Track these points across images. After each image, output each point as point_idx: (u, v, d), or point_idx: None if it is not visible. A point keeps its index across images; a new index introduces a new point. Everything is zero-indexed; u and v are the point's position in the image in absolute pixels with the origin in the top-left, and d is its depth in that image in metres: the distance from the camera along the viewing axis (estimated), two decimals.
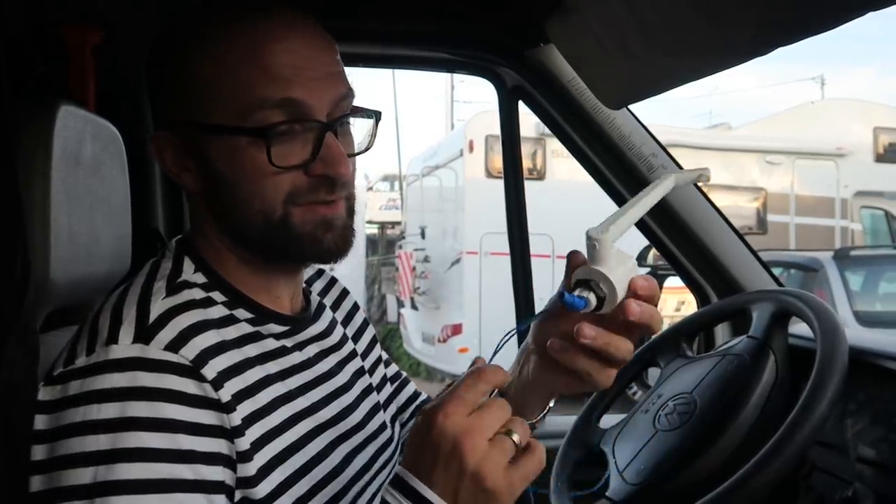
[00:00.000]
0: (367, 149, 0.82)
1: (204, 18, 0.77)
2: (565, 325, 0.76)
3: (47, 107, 0.85)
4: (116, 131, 1.01)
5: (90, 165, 0.92)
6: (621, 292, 0.70)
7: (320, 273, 1.02)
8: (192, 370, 0.68)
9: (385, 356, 1.06)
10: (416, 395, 1.11)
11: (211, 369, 0.69)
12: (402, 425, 1.05)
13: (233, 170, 0.75)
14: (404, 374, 1.11)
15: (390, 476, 0.69)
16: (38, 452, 0.67)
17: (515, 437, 0.64)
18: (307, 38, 0.76)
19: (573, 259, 0.74)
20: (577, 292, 0.70)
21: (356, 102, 0.80)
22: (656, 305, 0.75)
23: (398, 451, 0.93)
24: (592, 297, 0.69)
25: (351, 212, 0.81)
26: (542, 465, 0.65)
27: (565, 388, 0.82)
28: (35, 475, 0.66)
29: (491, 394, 0.66)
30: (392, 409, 1.01)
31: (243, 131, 0.73)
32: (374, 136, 0.83)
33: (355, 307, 1.03)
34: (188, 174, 0.78)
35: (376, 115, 0.82)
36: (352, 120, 0.81)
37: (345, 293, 1.03)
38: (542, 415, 0.87)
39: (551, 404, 0.87)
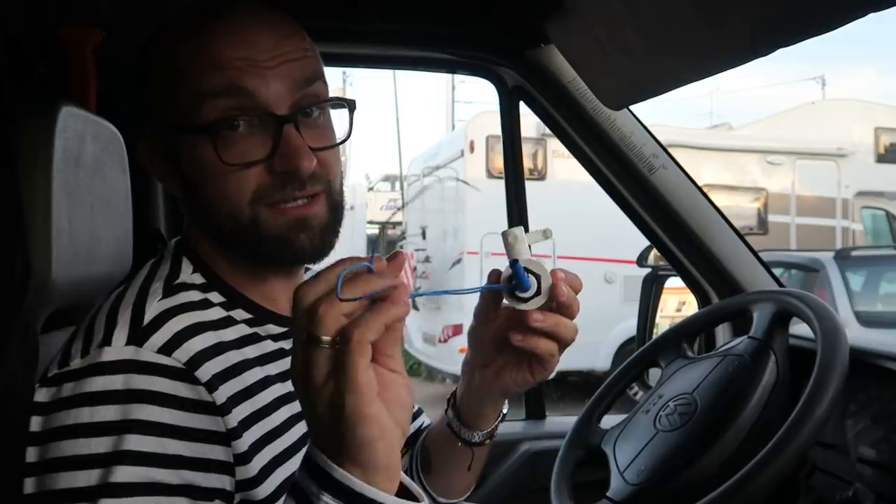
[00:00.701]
0: (342, 141, 0.79)
1: (176, 21, 0.76)
2: (499, 326, 0.80)
3: (48, 107, 0.85)
4: (117, 132, 1.01)
5: (91, 166, 0.92)
6: (549, 278, 0.76)
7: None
8: (186, 373, 0.68)
9: None
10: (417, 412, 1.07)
11: (205, 372, 0.69)
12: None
13: (195, 171, 0.74)
14: None
15: None
16: (32, 454, 0.67)
17: (324, 337, 0.55)
18: (266, 29, 0.74)
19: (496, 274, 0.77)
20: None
21: (357, 103, 0.79)
22: (576, 294, 0.78)
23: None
24: (533, 279, 0.74)
25: (334, 210, 0.77)
26: (362, 330, 0.53)
27: (515, 385, 0.83)
28: (28, 477, 0.66)
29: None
30: None
31: (195, 129, 0.72)
32: (351, 125, 0.80)
33: None
34: (170, 179, 0.78)
35: (349, 105, 0.79)
36: (333, 112, 0.79)
37: None
38: (498, 420, 0.90)
39: (505, 409, 0.90)
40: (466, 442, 0.90)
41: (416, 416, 1.08)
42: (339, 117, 0.82)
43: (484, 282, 0.78)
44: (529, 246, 0.75)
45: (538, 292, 0.74)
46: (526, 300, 0.74)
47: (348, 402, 0.54)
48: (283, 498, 0.71)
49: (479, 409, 0.87)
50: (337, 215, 0.78)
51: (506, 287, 0.75)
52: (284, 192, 0.73)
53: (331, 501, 0.55)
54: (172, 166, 0.77)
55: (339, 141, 0.79)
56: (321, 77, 0.77)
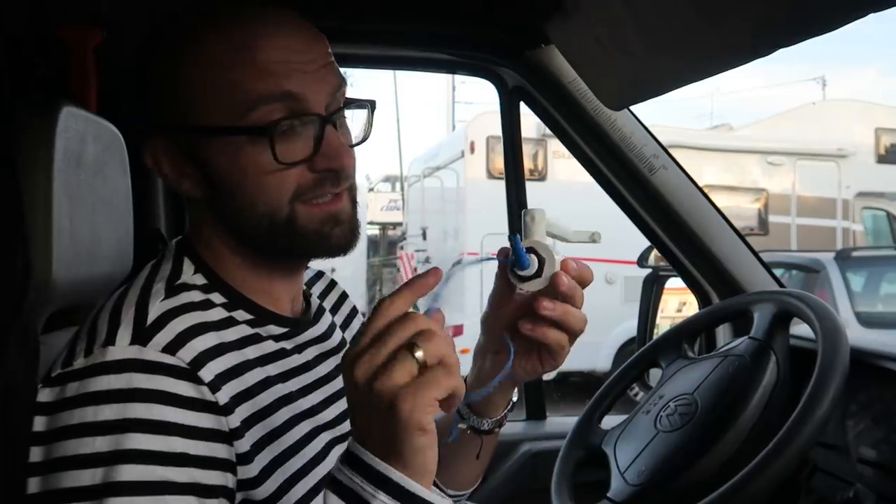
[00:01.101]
0: (364, 139, 0.82)
1: (193, 19, 0.76)
2: (511, 313, 0.81)
3: (49, 108, 0.85)
4: (118, 132, 1.01)
5: (92, 166, 0.92)
6: (557, 265, 0.76)
7: (320, 275, 1.02)
8: (189, 372, 0.68)
9: None
10: None
11: (208, 372, 0.69)
12: None
13: (234, 171, 0.74)
14: None
15: None
16: (36, 454, 0.67)
17: (419, 354, 0.59)
18: (297, 34, 0.76)
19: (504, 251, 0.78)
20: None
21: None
22: (584, 287, 0.79)
23: None
24: (535, 260, 0.75)
25: (354, 203, 0.81)
26: (451, 382, 0.60)
27: (525, 373, 0.84)
28: (32, 477, 0.66)
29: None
30: None
31: (243, 130, 0.73)
32: (371, 125, 0.83)
33: (353, 311, 1.03)
34: (187, 180, 0.77)
35: (371, 105, 0.82)
36: (347, 112, 0.80)
37: (343, 296, 1.02)
38: (508, 408, 0.90)
39: (514, 398, 0.90)
40: (475, 429, 0.90)
41: None
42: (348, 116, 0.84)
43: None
44: (555, 235, 0.75)
45: (538, 274, 0.75)
46: (525, 279, 0.75)
47: (416, 413, 0.58)
48: (283, 499, 0.72)
49: (488, 396, 0.86)
50: (356, 211, 0.81)
51: (505, 260, 0.76)
52: (322, 189, 0.76)
53: (388, 501, 0.59)
54: (195, 167, 0.76)
55: (361, 139, 0.81)
56: (345, 80, 0.80)
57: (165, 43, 0.76)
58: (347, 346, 1.01)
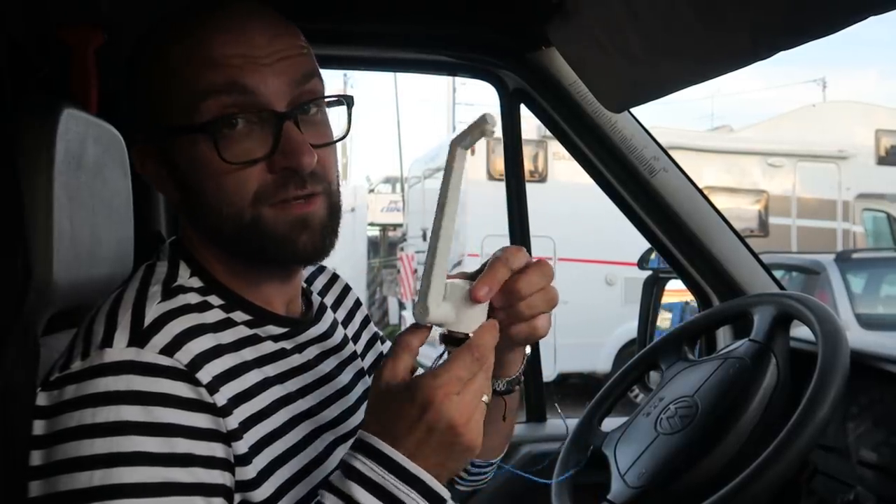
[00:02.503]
0: (342, 137, 0.78)
1: (166, 21, 0.75)
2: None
3: (50, 110, 0.85)
4: (118, 134, 1.01)
5: (92, 168, 0.92)
6: (474, 317, 0.70)
7: (321, 269, 1.00)
8: (187, 374, 0.67)
9: (384, 343, 1.03)
10: None
11: (206, 373, 0.69)
12: None
13: (194, 172, 0.73)
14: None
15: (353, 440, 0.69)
16: (36, 457, 0.66)
17: (485, 398, 0.67)
18: (260, 27, 0.73)
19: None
20: (444, 350, 0.72)
21: (358, 104, 0.79)
22: (519, 267, 0.73)
23: None
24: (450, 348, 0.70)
25: (333, 210, 0.77)
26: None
27: (516, 341, 0.79)
28: (33, 480, 0.66)
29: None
30: None
31: (192, 128, 0.71)
32: (350, 122, 0.79)
33: (357, 304, 1.01)
34: (166, 181, 0.77)
35: (347, 101, 0.79)
36: (333, 110, 0.78)
37: (346, 290, 1.01)
38: (522, 363, 0.86)
39: (528, 350, 0.86)
40: (494, 391, 0.84)
41: None
42: (335, 116, 0.81)
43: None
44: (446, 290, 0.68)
45: (465, 337, 0.70)
46: (456, 341, 0.70)
47: (469, 435, 0.66)
48: (283, 500, 0.72)
49: (498, 355, 0.79)
50: (335, 216, 0.77)
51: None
52: (287, 191, 0.72)
53: (420, 500, 0.65)
54: (168, 169, 0.76)
55: (337, 138, 0.78)
56: (317, 74, 0.76)
57: (143, 46, 0.76)
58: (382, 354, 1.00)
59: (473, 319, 0.70)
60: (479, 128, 0.64)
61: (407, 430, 0.65)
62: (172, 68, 0.72)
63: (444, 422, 0.64)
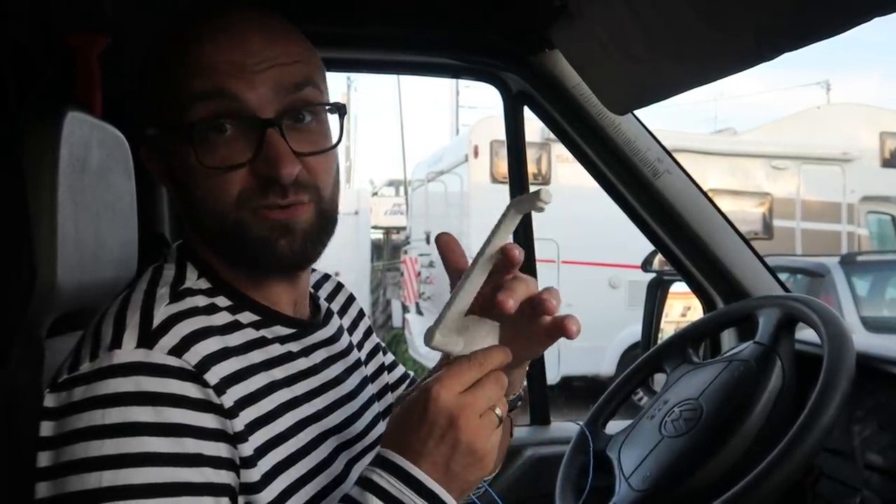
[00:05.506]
0: (333, 146, 0.77)
1: (164, 29, 0.77)
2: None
3: (54, 113, 0.85)
4: (123, 137, 1.01)
5: (97, 171, 0.93)
6: (480, 338, 0.72)
7: (326, 277, 1.01)
8: (195, 375, 0.68)
9: (385, 354, 1.04)
10: (405, 376, 1.07)
11: (213, 375, 0.69)
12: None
13: (185, 173, 0.74)
14: (396, 360, 1.09)
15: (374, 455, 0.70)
16: (44, 459, 0.67)
17: (498, 411, 0.68)
18: (256, 33, 0.73)
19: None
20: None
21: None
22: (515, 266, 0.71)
23: None
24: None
25: (323, 217, 0.76)
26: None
27: (528, 353, 0.80)
28: (41, 482, 0.66)
29: None
30: (389, 398, 1.00)
31: (180, 131, 0.72)
32: (342, 131, 0.79)
33: (360, 314, 1.02)
34: (167, 182, 0.79)
35: (339, 110, 0.78)
36: (334, 117, 0.78)
37: (351, 299, 1.02)
38: (522, 385, 0.88)
39: (527, 366, 0.86)
40: None
41: (394, 366, 1.06)
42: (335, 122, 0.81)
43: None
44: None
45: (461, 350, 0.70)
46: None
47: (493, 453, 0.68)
48: (290, 501, 0.72)
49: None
50: (325, 224, 0.77)
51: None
52: (267, 199, 0.73)
53: None
54: (167, 169, 0.78)
55: (328, 147, 0.77)
56: (313, 82, 0.76)
57: (149, 52, 0.78)
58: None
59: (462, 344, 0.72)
60: (535, 198, 0.69)
61: (426, 445, 0.66)
62: (168, 73, 0.74)
63: (464, 443, 0.66)
